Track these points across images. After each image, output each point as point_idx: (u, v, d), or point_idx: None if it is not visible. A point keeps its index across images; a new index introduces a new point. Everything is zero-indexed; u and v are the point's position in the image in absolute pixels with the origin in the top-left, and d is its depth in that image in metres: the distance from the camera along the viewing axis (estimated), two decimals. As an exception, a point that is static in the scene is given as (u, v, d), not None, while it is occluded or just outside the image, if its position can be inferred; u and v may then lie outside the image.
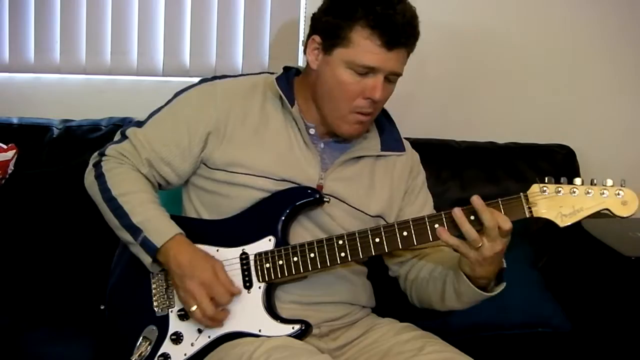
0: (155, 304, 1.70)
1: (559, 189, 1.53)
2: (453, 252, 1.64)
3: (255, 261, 1.65)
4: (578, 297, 2.20)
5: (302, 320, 1.63)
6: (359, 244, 1.61)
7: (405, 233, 1.59)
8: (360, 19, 1.59)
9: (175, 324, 1.67)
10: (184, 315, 1.66)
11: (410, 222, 1.60)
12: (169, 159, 1.72)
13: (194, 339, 1.64)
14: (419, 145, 2.18)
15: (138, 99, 2.54)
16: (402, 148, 1.85)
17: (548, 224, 1.54)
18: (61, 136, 2.37)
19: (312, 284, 1.70)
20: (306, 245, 1.63)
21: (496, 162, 2.37)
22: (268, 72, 1.84)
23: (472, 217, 1.54)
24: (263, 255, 1.65)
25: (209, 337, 1.63)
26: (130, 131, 1.75)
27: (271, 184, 1.69)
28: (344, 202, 1.74)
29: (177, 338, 1.65)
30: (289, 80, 1.78)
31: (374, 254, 1.63)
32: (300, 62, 2.46)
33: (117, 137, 1.78)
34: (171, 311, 1.68)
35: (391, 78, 1.66)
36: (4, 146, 2.26)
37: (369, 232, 1.62)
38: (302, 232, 1.70)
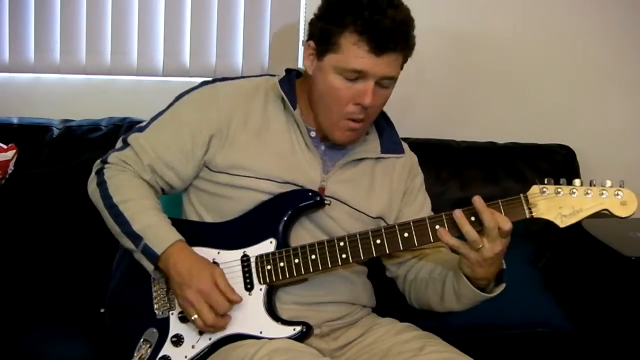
0: (155, 306, 1.70)
1: (559, 189, 1.54)
2: (451, 253, 1.65)
3: (257, 263, 1.65)
4: (578, 297, 2.20)
5: (303, 322, 1.63)
6: (360, 246, 1.62)
7: (406, 234, 1.60)
8: (349, 24, 1.59)
9: (175, 326, 1.67)
10: (184, 318, 1.66)
11: (411, 223, 1.60)
12: (172, 163, 1.71)
13: (195, 341, 1.64)
14: (419, 145, 2.18)
15: (138, 99, 2.54)
16: (401, 150, 1.86)
17: (548, 224, 1.55)
18: (61, 136, 2.37)
19: (313, 284, 1.70)
20: (307, 247, 1.63)
21: (496, 162, 2.37)
22: (269, 75, 1.84)
23: (473, 218, 1.54)
24: (264, 257, 1.65)
25: (209, 339, 1.63)
26: (132, 137, 1.74)
27: (274, 186, 1.69)
28: (345, 203, 1.74)
29: (178, 340, 1.65)
30: (291, 83, 1.78)
31: (375, 255, 1.63)
32: (300, 64, 2.46)
33: (119, 144, 1.77)
34: (172, 313, 1.68)
35: (384, 83, 1.65)
36: (4, 146, 2.26)
37: (370, 233, 1.62)
38: (304, 233, 1.71)
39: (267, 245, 1.66)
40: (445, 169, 2.35)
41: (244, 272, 1.66)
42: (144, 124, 1.77)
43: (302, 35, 2.51)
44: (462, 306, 1.69)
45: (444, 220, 1.58)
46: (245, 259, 1.66)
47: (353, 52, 1.60)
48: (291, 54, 2.52)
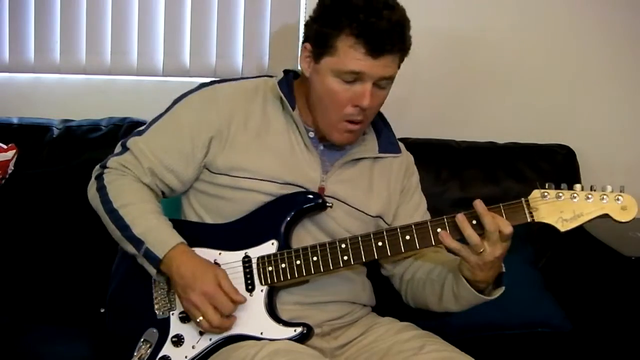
0: (156, 306, 1.70)
1: (560, 194, 1.55)
2: (448, 253, 1.65)
3: (258, 264, 1.65)
4: (578, 297, 2.21)
5: (304, 323, 1.63)
6: (361, 248, 1.62)
7: (407, 237, 1.60)
8: (345, 27, 1.59)
9: (176, 327, 1.67)
10: (185, 318, 1.66)
11: (413, 226, 1.61)
12: (172, 165, 1.71)
13: (195, 342, 1.64)
14: (419, 145, 2.19)
15: (138, 99, 2.54)
16: (398, 150, 1.87)
17: (548, 226, 1.56)
18: (61, 136, 2.37)
19: (313, 284, 1.70)
20: (309, 249, 1.64)
21: (496, 162, 2.38)
22: (267, 76, 1.85)
23: (474, 222, 1.55)
24: (266, 258, 1.65)
25: (210, 339, 1.63)
26: (131, 141, 1.74)
27: (275, 187, 1.69)
28: (344, 203, 1.75)
29: (178, 340, 1.65)
30: (289, 84, 1.78)
31: (376, 257, 1.63)
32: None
33: (118, 148, 1.77)
34: (172, 314, 1.68)
35: (381, 84, 1.65)
36: (4, 146, 2.25)
37: (371, 235, 1.62)
38: (304, 234, 1.71)
39: (269, 247, 1.66)
40: (445, 169, 2.35)
41: (245, 273, 1.66)
42: (142, 127, 1.77)
43: (302, 35, 2.50)
44: (460, 307, 1.70)
45: (446, 223, 1.58)
46: (246, 260, 1.66)
47: (350, 55, 1.60)
48: (291, 54, 2.52)
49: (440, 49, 2.50)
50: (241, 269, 1.66)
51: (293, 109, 1.74)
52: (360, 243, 1.62)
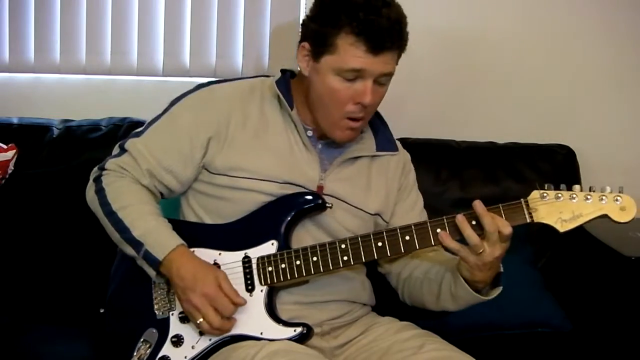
0: (156, 306, 1.70)
1: (559, 195, 1.55)
2: (445, 252, 1.65)
3: (258, 265, 1.66)
4: (578, 297, 2.21)
5: (304, 323, 1.63)
6: (361, 248, 1.62)
7: (407, 237, 1.60)
8: (345, 25, 1.60)
9: (175, 327, 1.67)
10: (184, 318, 1.66)
11: (413, 227, 1.61)
12: (171, 166, 1.71)
13: (195, 342, 1.64)
14: (419, 145, 2.19)
15: (138, 99, 2.54)
16: (395, 148, 1.87)
17: (547, 226, 1.56)
18: (61, 136, 2.36)
19: (313, 284, 1.70)
20: (309, 249, 1.64)
21: (496, 162, 2.38)
22: (264, 75, 1.85)
23: (474, 222, 1.55)
24: (266, 258, 1.65)
25: (209, 339, 1.63)
26: (129, 143, 1.74)
27: (275, 187, 1.69)
28: (343, 201, 1.75)
29: (178, 341, 1.65)
30: (287, 83, 1.79)
31: (376, 257, 1.64)
32: (300, 64, 2.47)
33: (116, 150, 1.77)
34: (172, 314, 1.68)
35: (381, 80, 1.66)
36: (4, 146, 2.26)
37: (371, 236, 1.62)
38: (304, 233, 1.71)
39: (269, 247, 1.66)
40: (445, 169, 2.35)
41: (245, 274, 1.66)
42: (140, 129, 1.77)
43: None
44: (457, 307, 1.70)
45: (445, 223, 1.59)
46: (246, 261, 1.66)
47: (351, 53, 1.60)
48: (291, 54, 2.48)
49: (440, 48, 2.50)
50: (241, 269, 1.66)
51: (291, 108, 1.74)
52: (360, 243, 1.62)
